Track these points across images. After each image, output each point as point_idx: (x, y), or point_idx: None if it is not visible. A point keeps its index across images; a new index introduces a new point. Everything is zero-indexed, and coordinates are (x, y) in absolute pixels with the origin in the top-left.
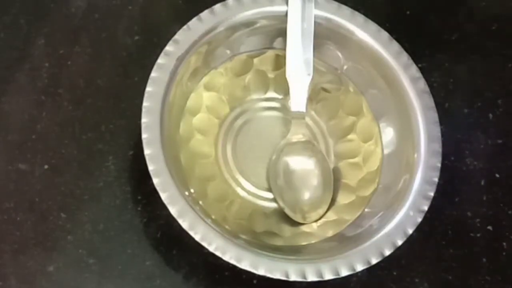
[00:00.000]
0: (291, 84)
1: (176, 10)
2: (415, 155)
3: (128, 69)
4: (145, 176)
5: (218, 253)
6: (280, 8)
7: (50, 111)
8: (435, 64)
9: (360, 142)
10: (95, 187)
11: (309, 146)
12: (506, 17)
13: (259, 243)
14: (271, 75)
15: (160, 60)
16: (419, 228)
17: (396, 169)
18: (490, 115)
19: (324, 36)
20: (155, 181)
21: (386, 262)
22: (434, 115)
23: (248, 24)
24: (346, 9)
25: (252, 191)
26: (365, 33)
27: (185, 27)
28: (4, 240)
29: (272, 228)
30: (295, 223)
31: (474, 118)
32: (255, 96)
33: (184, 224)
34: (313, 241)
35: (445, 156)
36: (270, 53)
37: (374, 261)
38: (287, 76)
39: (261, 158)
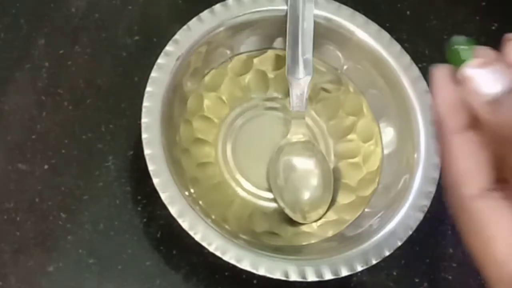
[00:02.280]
0: (291, 84)
1: (176, 10)
2: (415, 155)
3: (128, 69)
4: (145, 176)
5: (218, 253)
6: (280, 8)
7: (50, 111)
8: (435, 64)
9: (360, 142)
10: (95, 187)
11: (309, 146)
12: (506, 17)
13: (259, 243)
14: (271, 75)
15: (160, 60)
16: (419, 228)
17: (396, 169)
18: None
19: (324, 36)
20: (155, 181)
21: (386, 262)
22: None
23: (248, 24)
24: (346, 9)
25: (252, 191)
26: (365, 33)
27: (185, 27)
28: (4, 240)
29: (272, 228)
30: (295, 223)
31: None
32: (255, 96)
33: (184, 224)
34: (313, 241)
35: None
36: (270, 53)
37: (374, 261)
38: (287, 76)
39: (261, 158)
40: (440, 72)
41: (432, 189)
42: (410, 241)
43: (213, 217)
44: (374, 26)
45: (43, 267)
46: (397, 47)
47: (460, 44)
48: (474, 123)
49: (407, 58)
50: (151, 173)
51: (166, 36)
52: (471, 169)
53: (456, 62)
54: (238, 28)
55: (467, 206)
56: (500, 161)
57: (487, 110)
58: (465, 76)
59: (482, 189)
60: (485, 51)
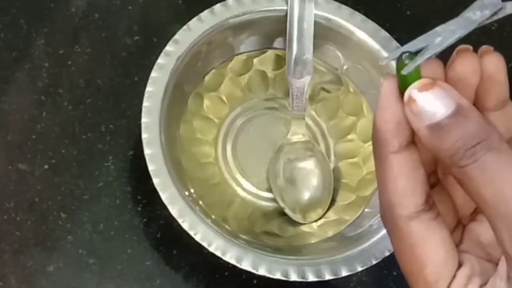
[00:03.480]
0: (291, 84)
1: (176, 10)
2: None
3: (128, 69)
4: (145, 176)
5: (218, 253)
6: (280, 8)
7: (50, 111)
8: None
9: (360, 142)
10: (95, 187)
11: (309, 146)
12: (506, 17)
13: (259, 243)
14: (271, 75)
15: (160, 60)
16: None
17: None
18: None
19: (324, 36)
20: (155, 181)
21: (386, 262)
22: None
23: (248, 24)
24: (345, 9)
25: (252, 191)
26: (365, 33)
27: (185, 27)
28: (4, 240)
29: (272, 228)
30: (295, 223)
31: None
32: (255, 96)
33: (184, 224)
34: (313, 241)
35: None
36: (270, 53)
37: (374, 261)
38: (287, 76)
39: (261, 158)
40: (389, 85)
41: None
42: None
43: (213, 217)
44: (374, 26)
45: (43, 267)
46: (396, 46)
47: (409, 60)
48: (413, 138)
49: None
50: (151, 173)
51: (166, 36)
52: (407, 190)
53: (403, 79)
54: (238, 28)
55: (400, 226)
56: (433, 166)
57: (428, 134)
58: (409, 97)
59: (415, 210)
60: (435, 68)
